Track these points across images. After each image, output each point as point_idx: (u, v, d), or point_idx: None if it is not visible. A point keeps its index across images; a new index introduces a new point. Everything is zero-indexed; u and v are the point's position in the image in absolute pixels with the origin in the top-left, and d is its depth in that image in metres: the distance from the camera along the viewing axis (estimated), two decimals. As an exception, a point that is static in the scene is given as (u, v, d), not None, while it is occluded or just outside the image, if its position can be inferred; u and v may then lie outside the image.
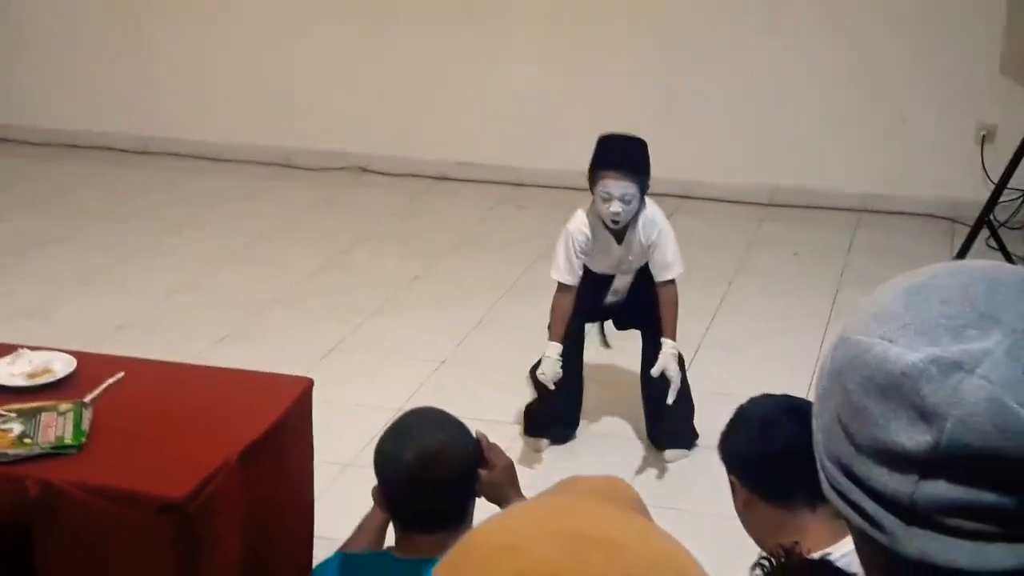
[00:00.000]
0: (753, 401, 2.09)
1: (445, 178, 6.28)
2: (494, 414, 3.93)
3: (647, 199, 3.48)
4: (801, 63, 5.72)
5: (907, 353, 0.87)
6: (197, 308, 4.82)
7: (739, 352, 4.42)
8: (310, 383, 2.61)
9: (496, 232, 5.67)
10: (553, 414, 3.80)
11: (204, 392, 2.63)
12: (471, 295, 4.92)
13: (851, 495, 0.90)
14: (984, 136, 5.59)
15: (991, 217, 4.73)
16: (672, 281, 3.52)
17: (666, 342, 3.47)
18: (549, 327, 3.57)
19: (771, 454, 1.94)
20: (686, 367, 3.77)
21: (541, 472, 3.65)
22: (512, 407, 4.00)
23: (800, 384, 4.06)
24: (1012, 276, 0.91)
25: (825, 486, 0.94)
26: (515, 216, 5.85)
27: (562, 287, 3.54)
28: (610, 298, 3.67)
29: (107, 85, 6.64)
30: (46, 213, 5.85)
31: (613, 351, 4.07)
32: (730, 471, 2.04)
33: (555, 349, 3.51)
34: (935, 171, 5.71)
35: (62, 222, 5.73)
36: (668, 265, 3.50)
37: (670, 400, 3.47)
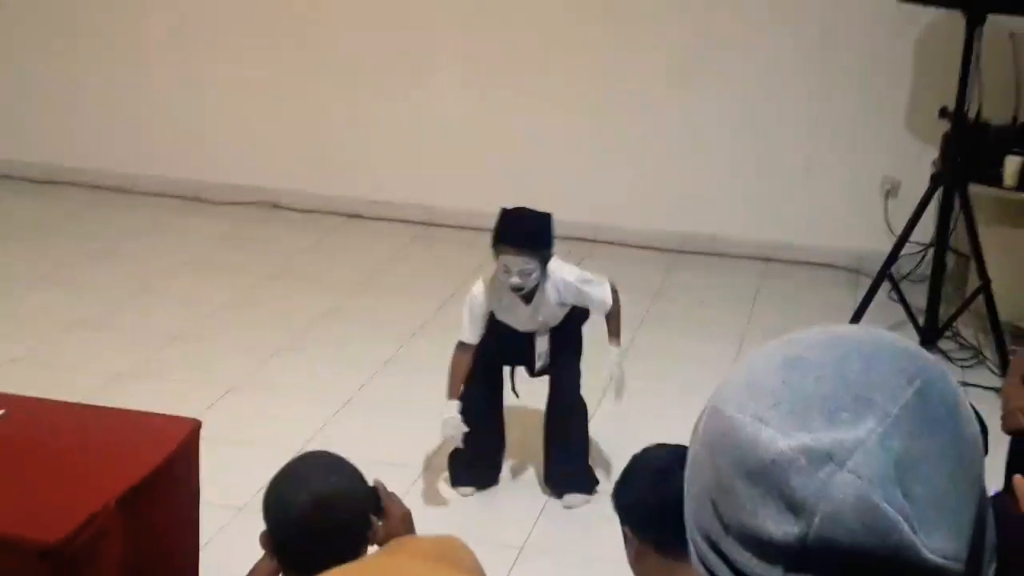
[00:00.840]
0: (646, 451, 2.07)
1: (357, 216, 6.24)
2: (397, 457, 3.89)
3: (555, 260, 3.51)
4: (711, 111, 5.79)
5: (778, 439, 0.84)
6: (96, 343, 4.72)
7: (643, 400, 4.42)
8: (197, 425, 2.56)
9: (407, 271, 5.64)
10: (477, 459, 3.78)
11: (88, 432, 2.57)
12: (379, 335, 4.88)
13: (718, 571, 0.89)
14: (888, 190, 5.70)
15: (892, 271, 4.81)
16: (612, 297, 3.63)
17: (612, 349, 3.63)
18: (449, 383, 3.58)
19: (663, 505, 1.90)
20: (588, 415, 3.77)
21: (451, 520, 3.61)
22: (416, 450, 3.96)
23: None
24: (890, 350, 0.89)
25: (693, 558, 0.93)
26: (426, 255, 5.83)
27: (462, 345, 3.57)
28: (539, 362, 3.68)
29: (14, 115, 6.52)
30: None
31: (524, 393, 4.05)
32: (623, 522, 2.01)
33: (453, 407, 3.54)
34: (841, 223, 5.80)
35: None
36: (603, 302, 3.62)
37: (616, 398, 3.67)
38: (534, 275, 3.41)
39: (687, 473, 0.94)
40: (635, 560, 1.99)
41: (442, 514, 3.64)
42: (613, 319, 3.65)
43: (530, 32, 5.91)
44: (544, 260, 3.44)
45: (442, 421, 3.52)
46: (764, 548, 0.84)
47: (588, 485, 3.76)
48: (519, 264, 3.38)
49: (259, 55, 6.20)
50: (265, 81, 6.22)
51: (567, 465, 3.77)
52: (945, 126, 4.78)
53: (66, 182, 6.48)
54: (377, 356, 4.67)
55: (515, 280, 3.39)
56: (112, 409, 2.75)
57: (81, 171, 6.47)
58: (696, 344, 4.92)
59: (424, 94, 6.08)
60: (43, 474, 2.39)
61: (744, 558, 0.86)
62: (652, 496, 1.95)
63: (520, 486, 3.87)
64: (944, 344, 4.88)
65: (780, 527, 0.83)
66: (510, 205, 3.54)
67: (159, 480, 2.40)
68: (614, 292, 3.62)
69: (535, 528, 3.63)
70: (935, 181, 4.74)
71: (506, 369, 3.79)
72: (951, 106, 4.64)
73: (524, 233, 3.42)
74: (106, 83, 6.38)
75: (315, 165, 6.27)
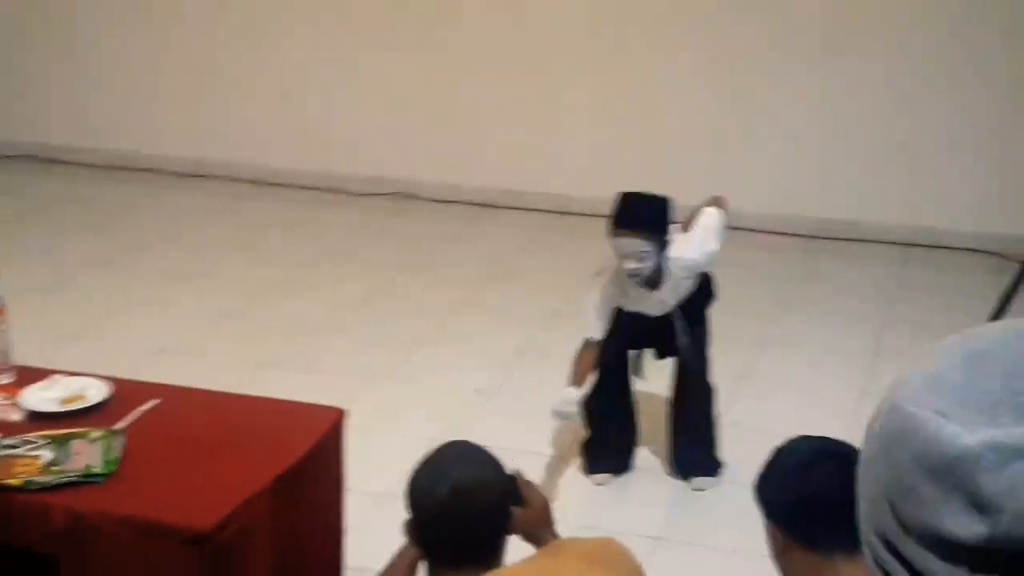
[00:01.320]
0: (790, 443, 2.01)
1: (491, 205, 6.29)
2: (531, 445, 3.92)
3: (689, 244, 3.46)
4: (851, 90, 5.67)
5: (963, 435, 0.81)
6: (241, 334, 4.85)
7: (779, 388, 4.38)
8: (342, 414, 2.61)
9: (539, 261, 5.66)
10: (610, 446, 3.78)
11: (237, 420, 2.64)
12: (512, 325, 4.91)
13: (896, 574, 0.86)
14: (1036, 170, 5.52)
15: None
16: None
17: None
18: (574, 370, 3.56)
19: (810, 500, 1.89)
20: (715, 399, 3.75)
21: (588, 510, 3.63)
22: (550, 440, 3.98)
23: (839, 425, 4.02)
24: None
25: (868, 559, 0.90)
26: (559, 245, 5.84)
27: (588, 342, 3.56)
28: (681, 344, 3.65)
29: (170, 108, 6.74)
30: (99, 235, 5.92)
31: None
32: (766, 517, 1.98)
33: (572, 391, 3.51)
34: (985, 205, 5.63)
35: (114, 245, 5.79)
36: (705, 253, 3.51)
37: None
38: (649, 259, 3.36)
39: (860, 472, 0.92)
40: (780, 555, 1.96)
41: (578, 503, 3.65)
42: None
43: (659, 14, 5.86)
44: (661, 244, 3.38)
45: (555, 404, 3.50)
46: (948, 548, 0.81)
47: (715, 468, 3.77)
48: (634, 247, 3.34)
49: (393, 52, 6.28)
50: (400, 75, 6.30)
51: (694, 450, 3.79)
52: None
53: (208, 175, 6.67)
54: (510, 346, 4.71)
55: (631, 264, 3.35)
56: (259, 398, 2.82)
57: (225, 164, 6.66)
58: (834, 333, 4.84)
59: (551, 82, 6.08)
60: (194, 462, 2.47)
61: (926, 560, 0.83)
62: (798, 491, 1.91)
63: (653, 472, 3.86)
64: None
65: (965, 527, 0.80)
66: (632, 190, 3.51)
67: (306, 468, 2.46)
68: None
69: (671, 516, 3.62)
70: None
71: (631, 352, 3.78)
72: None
73: (639, 215, 3.39)
74: (256, 81, 6.55)
75: (445, 155, 6.34)
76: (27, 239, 5.84)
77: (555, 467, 3.85)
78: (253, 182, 6.60)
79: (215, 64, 6.58)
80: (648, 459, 3.92)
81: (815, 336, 4.82)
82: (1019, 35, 5.42)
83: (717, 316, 3.76)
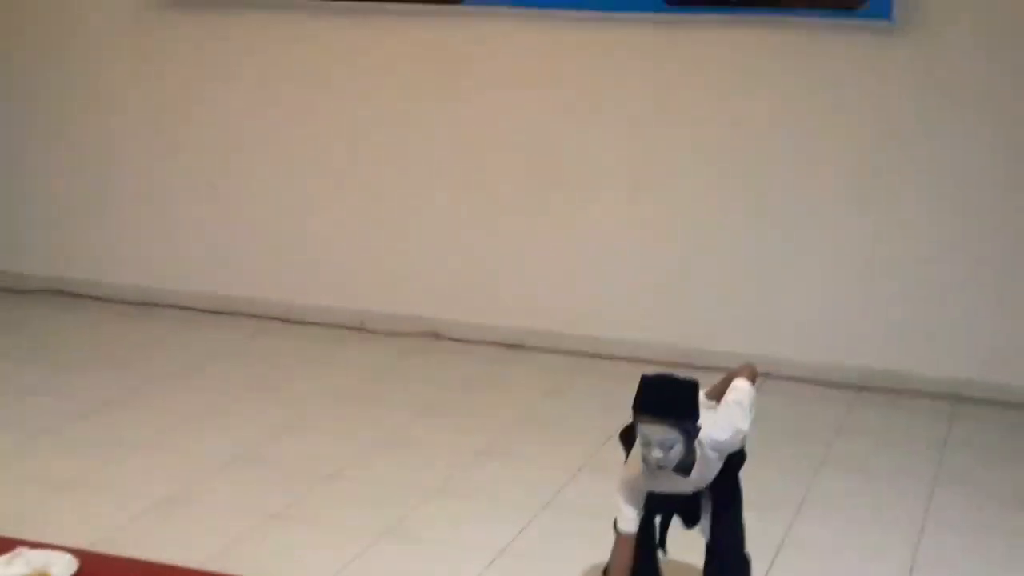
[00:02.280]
0: None
1: (520, 346, 6.08)
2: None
3: (712, 416, 3.23)
4: (891, 226, 5.45)
5: None
6: (249, 481, 4.60)
7: (824, 558, 4.07)
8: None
9: (567, 406, 5.41)
10: None
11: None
12: (537, 475, 4.64)
13: None
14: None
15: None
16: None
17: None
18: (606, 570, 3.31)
19: None
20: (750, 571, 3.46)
21: None
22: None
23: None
24: None
25: None
26: (587, 389, 5.59)
27: (623, 535, 3.31)
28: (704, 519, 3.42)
29: (185, 243, 6.63)
30: (99, 375, 5.71)
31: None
32: None
33: None
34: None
35: (126, 383, 5.60)
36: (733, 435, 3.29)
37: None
38: (677, 447, 3.14)
39: None
40: None
41: None
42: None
43: (686, 141, 5.70)
44: (688, 432, 3.16)
45: None
46: None
47: None
48: (659, 434, 3.11)
49: (421, 187, 6.15)
50: (428, 209, 6.17)
51: None
52: None
53: (233, 312, 6.52)
54: (535, 500, 4.43)
55: (656, 454, 3.13)
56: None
57: (243, 300, 6.51)
58: (881, 495, 4.53)
59: (583, 216, 5.91)
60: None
61: None
62: None
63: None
64: None
65: None
66: (651, 372, 3.29)
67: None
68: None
69: None
70: None
71: (657, 520, 3.50)
72: None
73: (664, 401, 3.15)
74: (269, 214, 6.43)
75: (474, 293, 6.15)
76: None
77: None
78: (270, 318, 6.44)
79: (228, 198, 6.48)
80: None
81: (862, 497, 4.52)
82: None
83: (752, 476, 3.48)
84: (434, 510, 4.38)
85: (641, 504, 3.29)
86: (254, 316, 6.47)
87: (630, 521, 3.29)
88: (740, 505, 3.47)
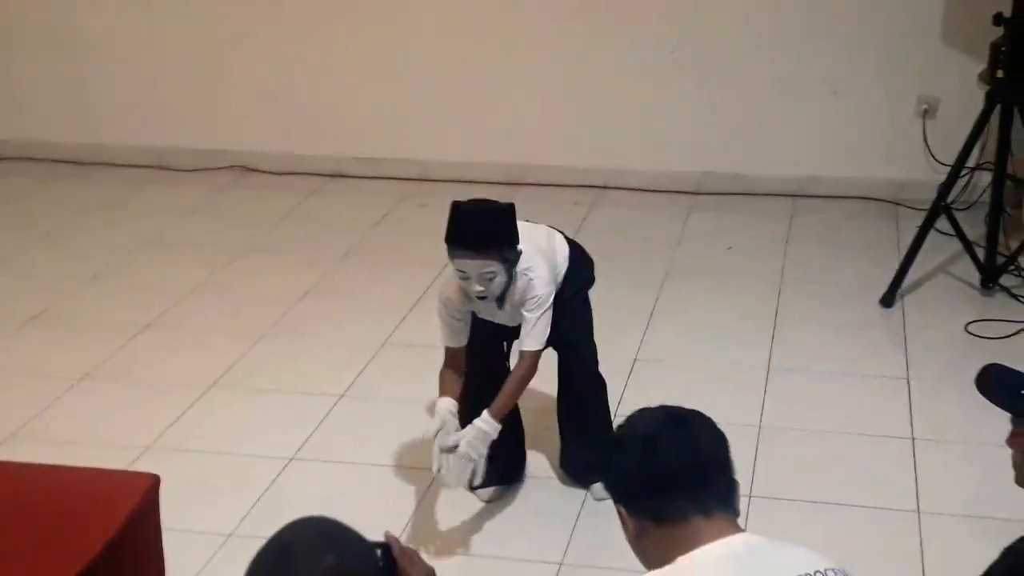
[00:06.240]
0: (630, 419, 1.84)
1: (340, 175, 5.67)
2: (408, 458, 3.37)
3: (532, 251, 2.95)
4: (724, 32, 5.20)
5: None
6: (52, 340, 4.15)
7: (677, 365, 3.90)
8: (155, 481, 2.01)
9: (398, 235, 5.07)
10: (494, 453, 3.23)
11: (18, 502, 2.00)
12: (372, 311, 4.32)
13: None
14: (925, 111, 5.13)
15: (945, 202, 4.26)
16: (528, 353, 2.99)
17: (484, 415, 2.95)
18: (439, 388, 3.03)
19: (655, 473, 1.74)
20: (605, 391, 3.25)
21: (485, 534, 3.10)
22: (426, 451, 3.43)
23: (749, 400, 3.60)
24: None
25: None
26: (419, 215, 5.26)
27: (448, 351, 3.04)
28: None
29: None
30: None
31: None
32: (616, 501, 1.81)
33: (445, 403, 2.98)
34: (875, 150, 5.24)
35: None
36: (527, 335, 2.99)
37: (467, 484, 2.99)
38: (498, 278, 2.86)
39: None
40: (636, 538, 1.77)
41: (464, 530, 3.11)
42: (511, 382, 3.00)
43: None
44: (508, 261, 2.87)
45: (436, 435, 2.95)
46: None
47: None
48: (477, 267, 2.83)
49: (221, 13, 5.58)
50: (230, 39, 5.62)
51: (587, 451, 3.25)
52: (993, 35, 4.22)
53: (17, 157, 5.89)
54: (372, 339, 4.11)
55: (476, 287, 2.85)
56: (50, 467, 2.17)
57: (33, 144, 5.89)
58: (727, 297, 4.39)
59: (406, 40, 5.47)
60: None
61: None
62: (642, 466, 1.75)
63: (547, 483, 3.34)
64: (1007, 280, 4.36)
65: None
66: (463, 197, 2.97)
67: (115, 554, 1.85)
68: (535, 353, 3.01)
69: (573, 537, 3.10)
70: (991, 98, 4.18)
71: (505, 344, 3.24)
72: (1006, 11, 4.09)
73: (477, 232, 2.86)
74: (65, 49, 5.77)
75: (290, 124, 5.68)
76: None
77: (428, 486, 3.28)
78: (61, 161, 5.85)
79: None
80: (541, 466, 3.40)
81: (708, 300, 4.36)
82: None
83: (601, 289, 3.23)
84: (262, 357, 4.03)
85: (464, 327, 3.00)
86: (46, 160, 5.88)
87: (447, 337, 3.01)
88: (588, 324, 3.22)
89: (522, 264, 2.92)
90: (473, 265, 2.83)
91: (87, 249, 4.92)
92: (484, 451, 2.94)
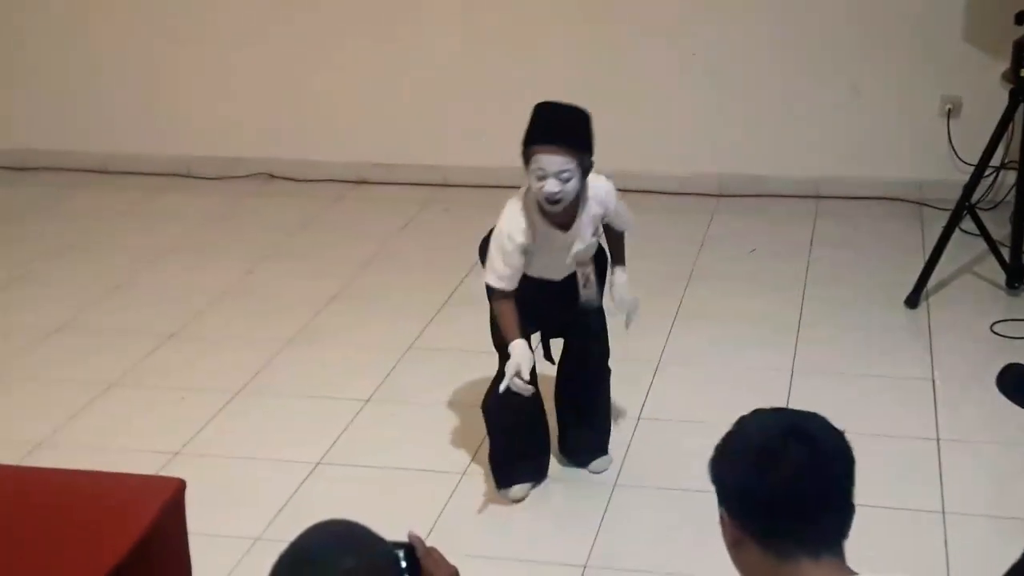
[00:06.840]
0: (752, 419, 1.65)
1: (362, 182, 5.69)
2: (433, 462, 3.39)
3: (595, 176, 2.98)
4: (740, 34, 5.18)
5: None
6: (76, 348, 4.18)
7: (701, 369, 3.90)
8: (181, 485, 2.02)
9: (421, 240, 5.09)
10: (524, 449, 3.25)
11: (46, 506, 2.02)
12: (397, 316, 4.33)
13: None
14: (949, 110, 5.11)
15: (970, 202, 4.24)
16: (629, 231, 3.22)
17: (618, 269, 3.18)
18: (503, 334, 2.99)
19: (770, 489, 1.56)
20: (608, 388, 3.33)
21: (514, 533, 3.11)
22: (456, 451, 3.44)
23: (773, 403, 3.56)
24: None
25: None
26: (442, 220, 5.27)
27: (500, 294, 2.99)
28: (584, 291, 3.17)
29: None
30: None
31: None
32: (720, 501, 1.63)
33: (521, 344, 2.94)
34: (897, 149, 5.22)
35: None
36: (625, 223, 3.18)
37: (627, 327, 3.22)
38: (573, 181, 2.85)
39: None
40: (732, 546, 1.63)
41: (487, 533, 3.12)
42: (620, 240, 3.21)
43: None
44: (583, 166, 2.88)
45: (511, 361, 2.91)
46: None
47: (605, 446, 3.38)
48: (557, 165, 2.82)
49: (241, 24, 5.62)
50: (253, 48, 5.65)
51: (593, 437, 3.37)
52: (1016, 33, 4.21)
53: (42, 167, 5.94)
54: (397, 344, 4.12)
55: (550, 186, 2.83)
56: (73, 472, 2.20)
57: (58, 154, 5.93)
58: (751, 299, 4.38)
59: (426, 48, 5.49)
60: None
61: None
62: (757, 476, 1.57)
63: (568, 484, 3.34)
64: (1033, 281, 4.33)
65: None
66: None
67: (140, 559, 1.87)
68: None
69: (597, 538, 3.10)
70: (1015, 97, 4.16)
71: (535, 337, 3.23)
72: (1030, 9, 4.07)
73: (564, 128, 2.87)
74: (79, 60, 5.82)
75: (313, 131, 5.71)
76: None
77: (453, 490, 3.29)
78: (85, 171, 5.89)
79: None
80: (559, 467, 3.40)
81: (732, 302, 4.35)
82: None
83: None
84: (287, 363, 4.05)
85: (516, 267, 2.96)
86: (70, 170, 5.92)
87: (505, 279, 2.97)
88: (603, 321, 3.28)
89: (590, 188, 2.97)
90: (554, 162, 2.82)
91: (112, 258, 4.95)
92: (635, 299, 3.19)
